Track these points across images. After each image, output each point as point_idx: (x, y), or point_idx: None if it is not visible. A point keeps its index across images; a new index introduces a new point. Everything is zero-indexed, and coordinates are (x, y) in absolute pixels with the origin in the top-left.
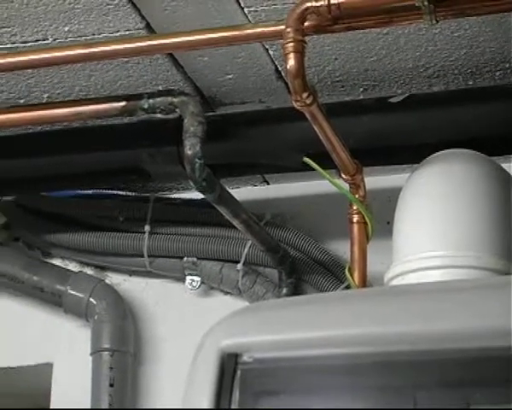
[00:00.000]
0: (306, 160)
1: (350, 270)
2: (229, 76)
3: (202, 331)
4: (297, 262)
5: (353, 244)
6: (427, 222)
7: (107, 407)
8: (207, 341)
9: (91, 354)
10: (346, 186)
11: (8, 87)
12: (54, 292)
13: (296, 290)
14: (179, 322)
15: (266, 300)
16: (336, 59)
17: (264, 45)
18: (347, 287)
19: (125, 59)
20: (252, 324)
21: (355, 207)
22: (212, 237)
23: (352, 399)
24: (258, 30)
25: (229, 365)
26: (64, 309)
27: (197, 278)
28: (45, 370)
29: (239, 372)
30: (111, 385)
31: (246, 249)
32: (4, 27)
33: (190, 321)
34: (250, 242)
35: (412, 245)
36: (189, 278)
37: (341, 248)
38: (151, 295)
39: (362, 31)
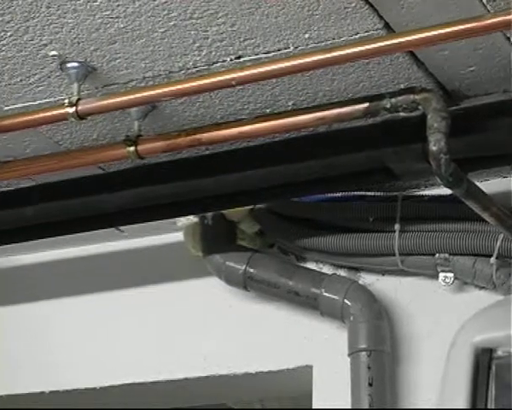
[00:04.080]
0: None
1: None
2: (472, 68)
3: (458, 328)
4: None
5: None
6: None
7: (367, 406)
8: (460, 337)
9: (349, 355)
10: None
11: (255, 98)
12: (309, 295)
13: None
14: (434, 319)
15: None
16: None
17: (505, 34)
18: None
19: (366, 60)
20: (505, 317)
21: None
22: (463, 232)
23: None
24: (499, 19)
25: (483, 360)
26: (320, 312)
27: (450, 274)
28: (305, 372)
29: (494, 367)
30: (370, 385)
31: (498, 243)
32: (247, 39)
33: (445, 318)
34: (502, 234)
35: None
36: (442, 274)
37: None
38: (404, 293)
39: None
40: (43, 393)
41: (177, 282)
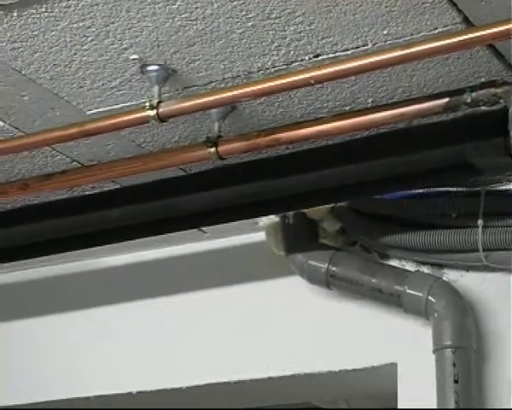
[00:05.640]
0: None
1: None
2: None
3: None
4: None
5: None
6: None
7: (453, 404)
8: None
9: (434, 352)
10: None
11: (334, 96)
12: (392, 293)
13: None
14: None
15: None
16: None
17: None
18: None
19: (446, 55)
20: None
21: None
22: None
23: None
24: None
25: None
26: (404, 309)
27: None
28: (390, 370)
29: None
30: (455, 382)
31: None
32: (325, 38)
33: None
34: None
35: None
36: None
37: None
38: (490, 289)
39: None
40: (141, 392)
41: (259, 281)
